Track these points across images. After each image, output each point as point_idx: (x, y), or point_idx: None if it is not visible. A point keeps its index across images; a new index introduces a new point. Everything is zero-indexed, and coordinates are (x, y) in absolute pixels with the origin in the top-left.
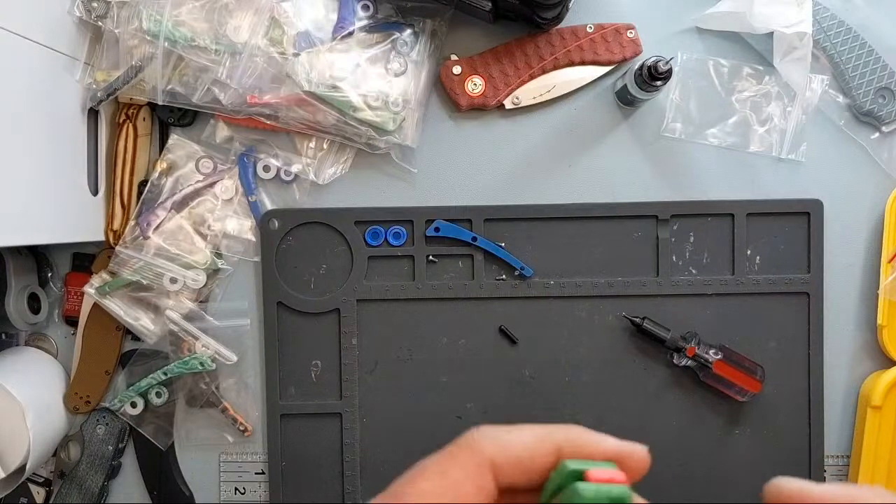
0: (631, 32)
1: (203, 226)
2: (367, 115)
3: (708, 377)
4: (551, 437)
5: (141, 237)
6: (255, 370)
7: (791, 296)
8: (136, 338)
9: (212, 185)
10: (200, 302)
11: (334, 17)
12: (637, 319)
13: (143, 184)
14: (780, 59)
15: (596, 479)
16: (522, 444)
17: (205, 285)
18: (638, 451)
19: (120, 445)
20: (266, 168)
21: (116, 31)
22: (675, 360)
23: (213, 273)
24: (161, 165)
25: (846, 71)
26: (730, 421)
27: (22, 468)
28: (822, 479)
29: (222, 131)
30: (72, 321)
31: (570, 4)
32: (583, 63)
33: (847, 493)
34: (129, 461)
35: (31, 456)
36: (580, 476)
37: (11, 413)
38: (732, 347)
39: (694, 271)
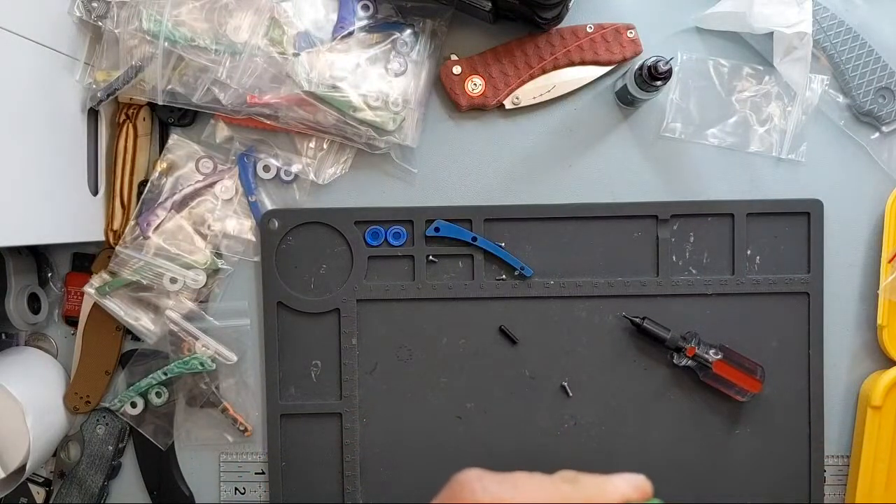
0: (631, 32)
1: (203, 226)
2: (367, 115)
3: (708, 377)
4: (567, 499)
5: (141, 237)
6: (255, 370)
7: (791, 296)
8: (136, 338)
9: (212, 185)
10: (200, 302)
11: (334, 17)
12: (637, 319)
13: (143, 184)
14: (780, 59)
15: None
16: None
17: (205, 285)
18: (646, 486)
19: (120, 445)
20: (266, 168)
21: (116, 31)
22: (675, 360)
23: (213, 273)
24: (161, 165)
25: (846, 71)
26: (730, 421)
27: (22, 468)
28: (822, 480)
29: (222, 131)
30: (72, 321)
31: (570, 4)
32: (583, 63)
33: None
34: (129, 461)
35: (31, 456)
36: None
37: (11, 413)
38: (732, 347)
39: (694, 271)
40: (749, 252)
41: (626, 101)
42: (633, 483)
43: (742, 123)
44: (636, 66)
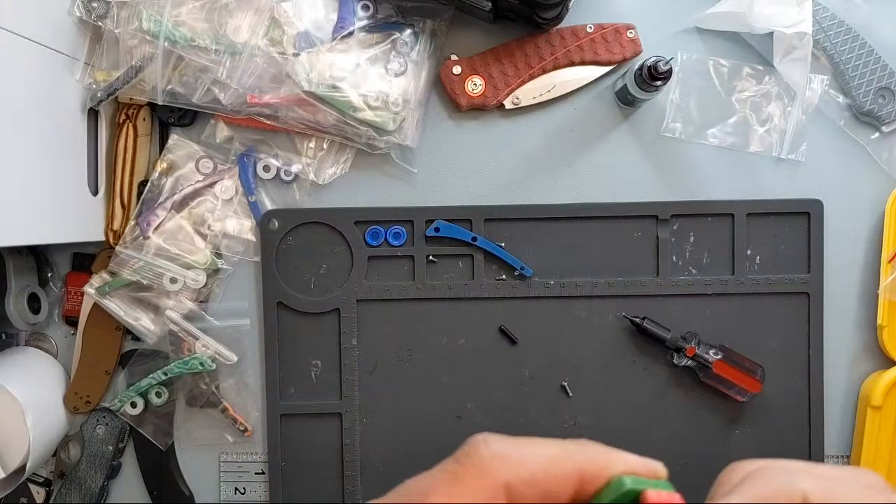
0: (631, 32)
1: (203, 226)
2: (367, 115)
3: (708, 377)
4: (571, 457)
5: (141, 237)
6: (255, 370)
7: (791, 296)
8: (136, 338)
9: (212, 185)
10: (200, 302)
11: (334, 17)
12: (637, 319)
13: (143, 184)
14: (780, 59)
15: (655, 501)
16: (540, 465)
17: (205, 285)
18: (660, 470)
19: (120, 445)
20: (266, 168)
21: (116, 31)
22: (675, 360)
23: (213, 273)
24: (161, 165)
25: (846, 71)
26: (730, 421)
27: (22, 468)
28: None
29: (222, 131)
30: (72, 321)
31: (570, 4)
32: (583, 63)
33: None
34: (129, 461)
35: (31, 456)
36: (637, 495)
37: (11, 413)
38: (732, 347)
39: (694, 271)
40: (749, 252)
41: (626, 101)
42: (644, 462)
43: (742, 123)
44: (636, 66)
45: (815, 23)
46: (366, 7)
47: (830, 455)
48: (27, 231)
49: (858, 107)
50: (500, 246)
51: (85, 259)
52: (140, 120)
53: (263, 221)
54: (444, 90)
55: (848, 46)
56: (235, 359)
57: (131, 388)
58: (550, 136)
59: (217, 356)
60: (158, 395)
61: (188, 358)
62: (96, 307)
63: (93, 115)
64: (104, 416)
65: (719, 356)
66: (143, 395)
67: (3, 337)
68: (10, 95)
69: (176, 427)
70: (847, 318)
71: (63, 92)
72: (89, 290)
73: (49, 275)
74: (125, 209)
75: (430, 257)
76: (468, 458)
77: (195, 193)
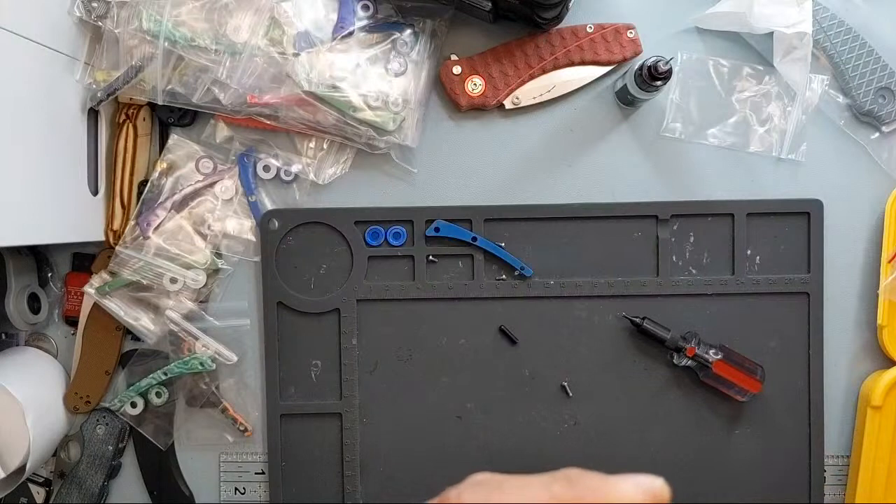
0: (631, 32)
1: (203, 226)
2: (367, 115)
3: (708, 377)
4: (553, 498)
5: (141, 237)
6: (255, 370)
7: (791, 296)
8: (136, 338)
9: (212, 185)
10: (200, 302)
11: (334, 17)
12: (637, 319)
13: (143, 184)
14: (780, 59)
15: None
16: None
17: (205, 285)
18: (662, 493)
19: (120, 445)
20: (266, 168)
21: (116, 31)
22: (675, 360)
23: (213, 273)
24: (161, 165)
25: (846, 71)
26: (730, 421)
27: (22, 468)
28: (822, 480)
29: (222, 131)
30: (72, 321)
31: (570, 4)
32: (583, 63)
33: None
34: (129, 461)
35: (31, 456)
36: None
37: (11, 413)
38: (732, 347)
39: (694, 271)
40: (749, 252)
41: (626, 101)
42: (643, 486)
43: (742, 123)
44: (636, 66)
45: (815, 23)
46: (366, 7)
47: (830, 455)
48: (27, 231)
49: (858, 107)
50: (500, 246)
51: (85, 259)
52: (140, 120)
53: (263, 221)
54: (444, 90)
55: (848, 46)
56: (235, 359)
57: (131, 388)
58: (550, 136)
59: (217, 356)
60: (158, 395)
61: (188, 358)
62: (96, 307)
63: (93, 115)
64: (104, 416)
65: (719, 356)
66: (143, 395)
67: (3, 337)
68: (10, 95)
69: (176, 427)
70: (847, 318)
71: (63, 92)
72: (89, 290)
73: (49, 275)
74: (125, 209)
75: (430, 257)
76: None
77: (195, 193)
